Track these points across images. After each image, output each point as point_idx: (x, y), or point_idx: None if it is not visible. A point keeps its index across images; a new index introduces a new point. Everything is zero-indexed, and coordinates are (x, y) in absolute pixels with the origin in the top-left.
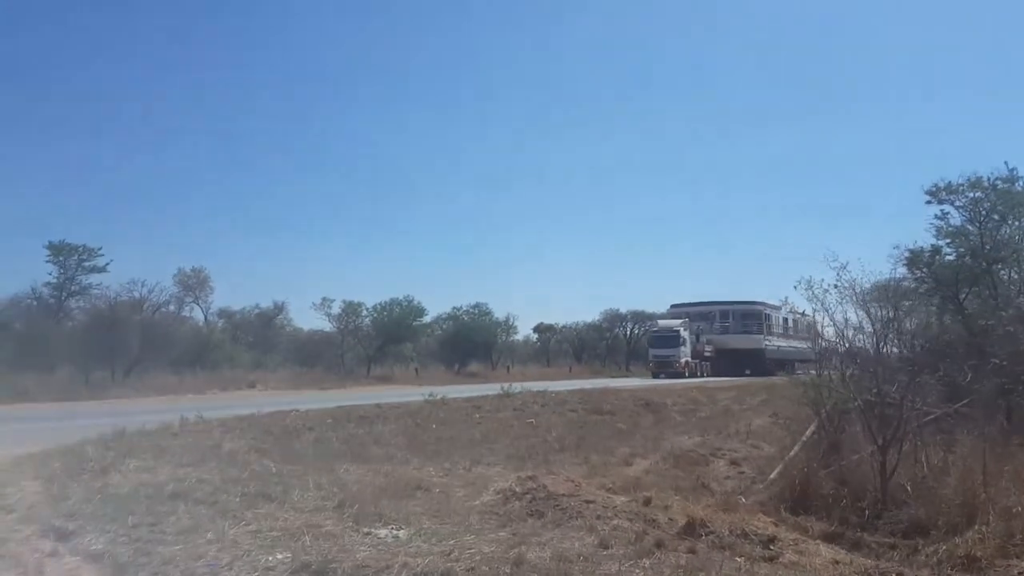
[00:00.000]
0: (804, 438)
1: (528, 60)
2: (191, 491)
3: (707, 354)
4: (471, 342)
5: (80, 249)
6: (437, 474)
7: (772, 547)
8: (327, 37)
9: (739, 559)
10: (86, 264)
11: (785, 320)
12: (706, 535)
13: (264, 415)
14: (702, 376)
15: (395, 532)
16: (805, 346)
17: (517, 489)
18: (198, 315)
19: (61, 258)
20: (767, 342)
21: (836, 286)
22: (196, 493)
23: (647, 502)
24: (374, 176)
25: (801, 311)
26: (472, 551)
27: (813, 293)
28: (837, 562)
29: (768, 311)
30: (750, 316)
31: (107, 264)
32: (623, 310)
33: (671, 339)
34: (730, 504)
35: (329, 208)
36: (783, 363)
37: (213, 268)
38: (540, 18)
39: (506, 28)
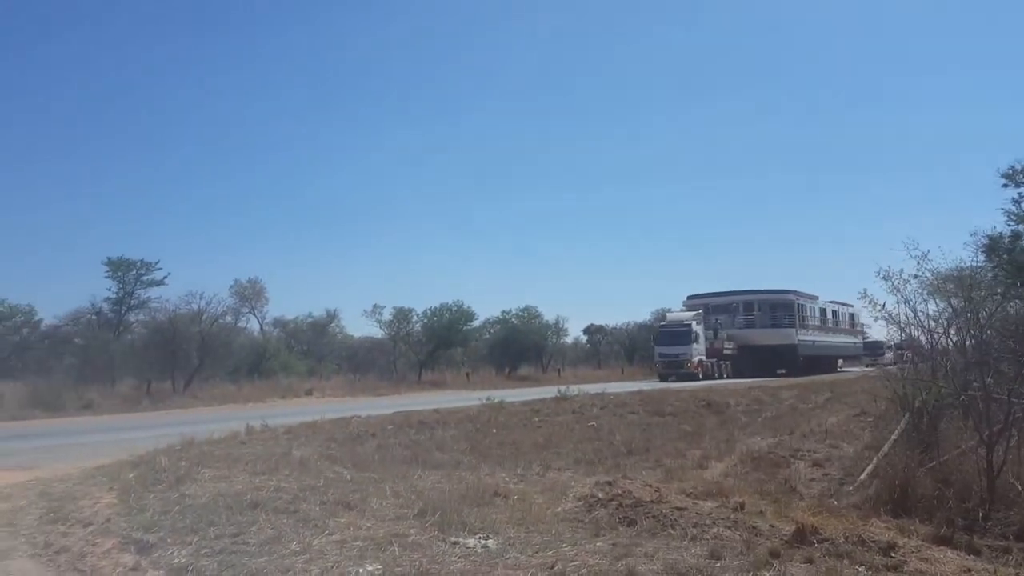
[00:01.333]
0: (894, 436)
1: (552, 59)
2: (270, 500)
3: (727, 351)
4: (521, 345)
5: (138, 264)
6: (511, 480)
7: (893, 554)
8: (382, 45)
9: (860, 568)
10: (144, 278)
11: (823, 311)
12: (818, 543)
13: (327, 422)
14: (721, 377)
15: (483, 542)
16: (851, 340)
17: (600, 495)
18: (254, 325)
19: (120, 273)
20: (800, 336)
21: (916, 276)
22: (275, 502)
23: (740, 508)
24: (419, 182)
25: (864, 300)
26: (576, 563)
27: (893, 284)
28: (969, 570)
29: (801, 301)
30: (780, 307)
31: (165, 277)
32: (674, 308)
33: (681, 335)
34: (827, 508)
35: (377, 215)
36: (821, 360)
37: (267, 278)
38: (578, 15)
39: (558, 23)
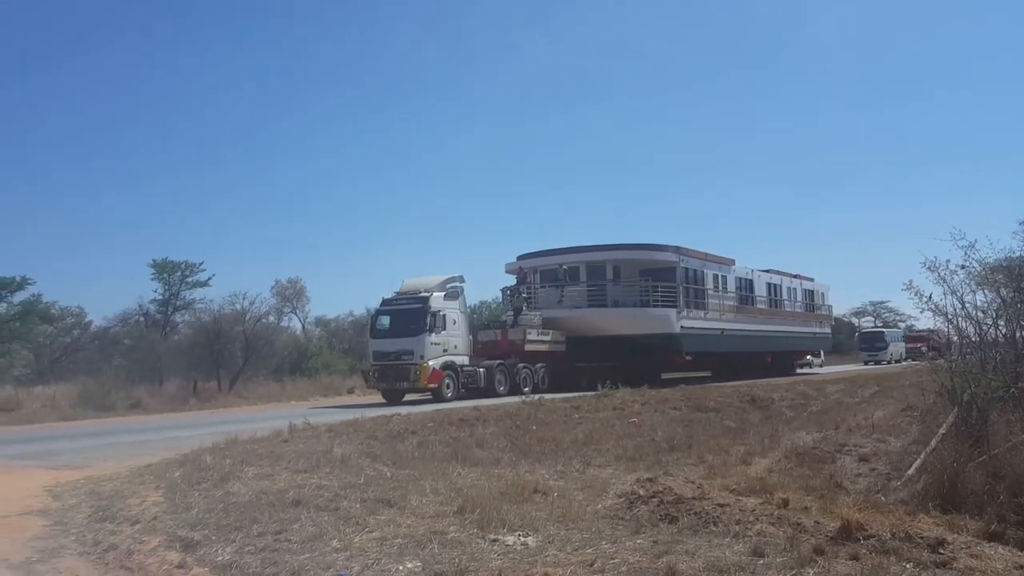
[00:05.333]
0: (942, 430)
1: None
2: (312, 498)
3: (538, 346)
4: None
5: (183, 265)
6: (551, 477)
7: (942, 551)
8: (413, 48)
9: (907, 565)
10: (189, 279)
11: (744, 284)
12: (864, 539)
13: (368, 419)
14: (520, 392)
15: (523, 539)
16: (806, 330)
17: (640, 492)
18: (296, 324)
19: (165, 275)
20: (689, 322)
21: (963, 266)
22: (317, 499)
23: (785, 504)
24: (457, 179)
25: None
26: (616, 561)
27: (939, 275)
28: (1021, 567)
29: (692, 264)
30: (651, 273)
31: (209, 278)
32: None
33: (409, 319)
34: (874, 504)
35: (416, 212)
36: (743, 357)
37: (308, 277)
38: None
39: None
